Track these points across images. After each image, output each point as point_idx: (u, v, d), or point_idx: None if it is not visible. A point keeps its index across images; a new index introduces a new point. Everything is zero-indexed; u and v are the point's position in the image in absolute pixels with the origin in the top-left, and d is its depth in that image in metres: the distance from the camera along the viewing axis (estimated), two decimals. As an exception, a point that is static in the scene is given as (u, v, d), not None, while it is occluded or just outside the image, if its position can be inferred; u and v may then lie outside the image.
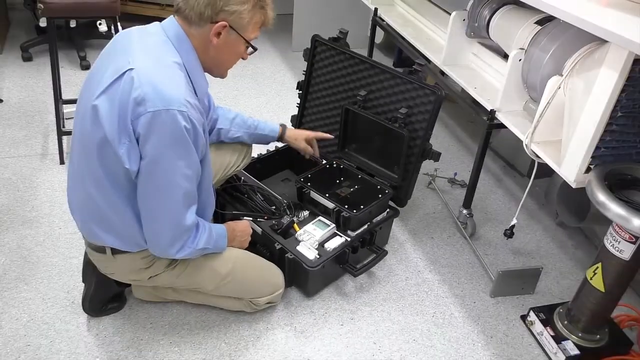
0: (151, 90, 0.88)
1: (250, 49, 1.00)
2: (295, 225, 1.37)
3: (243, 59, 1.01)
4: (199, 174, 1.01)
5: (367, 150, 1.58)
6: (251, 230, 1.28)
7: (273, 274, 1.26)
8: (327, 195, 1.44)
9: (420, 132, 1.45)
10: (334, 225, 1.39)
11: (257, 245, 1.37)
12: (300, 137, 1.44)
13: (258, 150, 1.86)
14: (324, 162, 1.60)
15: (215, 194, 1.26)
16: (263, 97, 2.36)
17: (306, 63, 1.58)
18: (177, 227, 0.99)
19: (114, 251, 1.06)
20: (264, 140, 1.40)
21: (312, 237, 1.35)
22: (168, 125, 0.89)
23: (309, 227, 1.38)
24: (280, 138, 1.42)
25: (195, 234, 1.07)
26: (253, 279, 1.21)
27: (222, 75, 1.04)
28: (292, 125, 1.74)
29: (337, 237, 1.38)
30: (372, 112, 1.51)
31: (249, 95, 2.35)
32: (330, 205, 1.41)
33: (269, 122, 1.40)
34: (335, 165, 1.57)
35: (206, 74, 1.02)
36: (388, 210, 1.49)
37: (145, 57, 0.89)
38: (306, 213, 1.46)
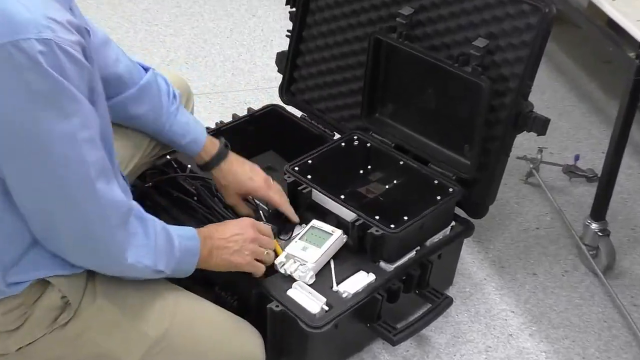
0: None
1: None
2: (278, 247, 1.34)
3: None
4: (98, 126, 1.03)
5: (413, 117, 1.59)
6: (258, 235, 1.28)
7: (243, 338, 1.26)
8: (342, 197, 1.44)
9: (511, 82, 1.42)
10: (339, 235, 1.37)
11: (216, 288, 1.35)
12: (234, 186, 1.40)
13: (217, 115, 1.84)
14: (337, 137, 1.62)
15: (131, 188, 1.25)
16: (227, 20, 2.42)
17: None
18: (111, 209, 1.05)
19: None
20: (178, 149, 1.41)
21: (302, 266, 1.32)
22: (25, 69, 0.92)
23: (295, 247, 1.35)
24: (205, 165, 1.39)
25: (144, 225, 1.10)
26: (206, 347, 1.21)
27: None
28: (280, 72, 1.76)
29: (361, 273, 1.36)
30: (424, 46, 1.50)
31: (199, 16, 2.44)
32: (347, 214, 1.40)
33: (199, 127, 1.38)
34: (357, 143, 1.56)
35: None
36: (453, 224, 1.48)
37: None
38: (304, 228, 1.41)
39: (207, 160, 1.37)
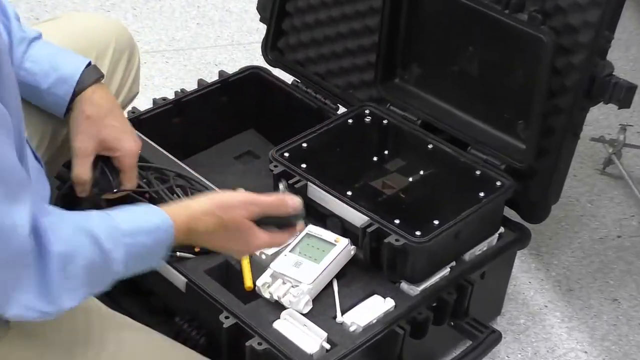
0: None
1: None
2: (247, 268, 1.37)
3: None
4: (8, 122, 1.02)
5: (447, 83, 1.60)
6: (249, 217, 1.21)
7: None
8: (349, 193, 1.44)
9: (582, 35, 1.42)
10: (345, 246, 1.38)
11: (176, 318, 1.36)
12: (89, 137, 1.35)
13: (177, 81, 1.83)
14: (343, 111, 1.62)
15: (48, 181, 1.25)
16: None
17: None
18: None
19: None
20: (39, 101, 1.37)
21: (294, 288, 1.33)
22: None
23: (284, 262, 1.36)
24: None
25: (43, 261, 1.07)
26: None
27: None
28: (264, 21, 1.77)
29: (375, 297, 1.37)
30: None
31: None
32: (356, 217, 1.42)
33: (76, 60, 1.36)
34: (369, 120, 1.57)
35: None
36: (502, 230, 1.49)
37: None
38: (297, 236, 1.41)
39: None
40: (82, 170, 1.35)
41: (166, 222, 1.15)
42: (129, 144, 1.37)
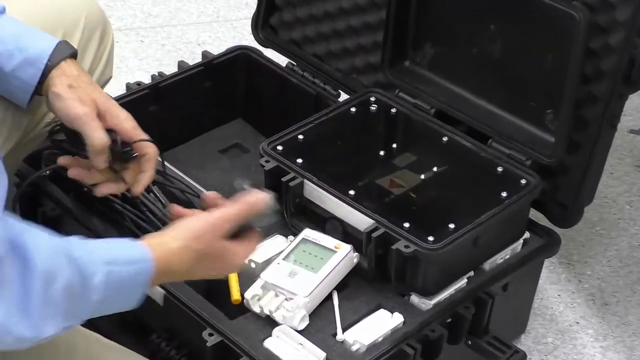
0: None
1: None
2: (234, 282, 1.37)
3: None
4: None
5: (465, 67, 1.61)
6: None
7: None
8: (351, 192, 1.45)
9: (620, 11, 1.42)
10: (347, 253, 1.39)
11: (153, 335, 1.37)
12: (83, 101, 1.34)
13: (154, 63, 1.83)
14: (345, 98, 1.62)
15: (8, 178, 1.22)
16: None
17: None
18: None
19: None
20: (1, 85, 1.36)
21: (288, 301, 1.33)
22: None
23: (277, 271, 1.37)
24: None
25: (26, 279, 1.05)
26: None
27: None
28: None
29: (381, 312, 1.37)
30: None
31: None
32: (360, 220, 1.43)
33: (44, 40, 1.36)
34: (375, 108, 1.58)
35: None
36: (528, 236, 1.50)
37: None
38: (291, 242, 1.42)
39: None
40: (100, 134, 1.32)
41: (146, 255, 1.15)
42: (120, 113, 1.36)
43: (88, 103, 1.33)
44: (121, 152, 1.33)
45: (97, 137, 1.32)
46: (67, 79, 1.35)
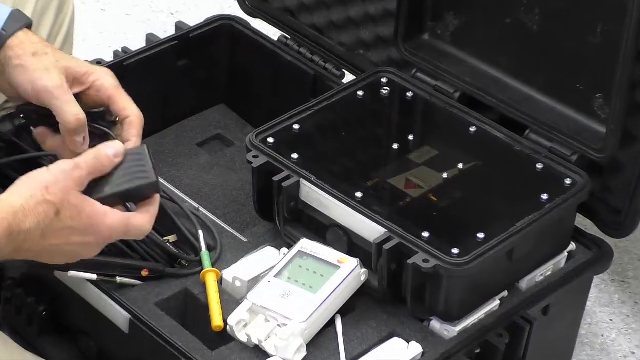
0: None
1: None
2: (210, 276, 1.40)
3: None
4: None
5: (496, 42, 1.61)
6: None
7: None
8: (358, 195, 1.46)
9: None
10: (353, 269, 1.40)
11: None
12: (51, 70, 1.37)
13: (119, 37, 1.85)
14: (351, 80, 1.63)
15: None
16: None
17: None
18: None
19: None
20: None
21: (280, 328, 1.35)
22: None
23: (267, 290, 1.37)
24: None
25: None
26: None
27: None
28: None
29: (395, 341, 1.38)
30: None
31: None
32: (369, 228, 1.43)
33: None
34: (387, 92, 1.59)
35: None
36: (573, 247, 1.51)
37: None
38: (285, 255, 1.44)
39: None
40: (76, 108, 1.35)
41: None
42: (100, 69, 1.39)
43: (57, 70, 1.36)
44: (95, 114, 1.37)
45: (69, 111, 1.34)
46: (30, 46, 1.37)
